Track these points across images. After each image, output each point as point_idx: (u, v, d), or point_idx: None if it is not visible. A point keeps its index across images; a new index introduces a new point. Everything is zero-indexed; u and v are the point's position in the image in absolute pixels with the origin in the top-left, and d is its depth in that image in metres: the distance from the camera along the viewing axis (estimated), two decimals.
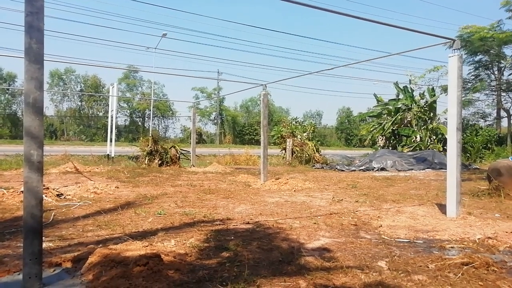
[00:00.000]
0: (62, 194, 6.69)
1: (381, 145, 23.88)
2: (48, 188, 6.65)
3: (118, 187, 8.09)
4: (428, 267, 3.19)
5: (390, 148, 22.30)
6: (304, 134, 19.80)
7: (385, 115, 24.25)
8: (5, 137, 41.63)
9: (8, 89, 47.13)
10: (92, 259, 3.12)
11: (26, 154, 2.76)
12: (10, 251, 3.57)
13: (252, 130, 59.89)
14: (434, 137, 22.17)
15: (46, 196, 6.21)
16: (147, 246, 3.48)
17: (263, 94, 9.67)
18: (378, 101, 25.15)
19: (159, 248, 3.51)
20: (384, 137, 23.84)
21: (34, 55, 2.75)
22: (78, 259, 3.28)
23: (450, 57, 5.52)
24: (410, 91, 23.29)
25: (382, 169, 15.44)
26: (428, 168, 15.78)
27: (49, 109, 54.04)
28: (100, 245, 3.59)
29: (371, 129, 24.75)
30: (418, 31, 5.90)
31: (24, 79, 2.80)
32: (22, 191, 6.41)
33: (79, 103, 54.87)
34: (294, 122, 21.66)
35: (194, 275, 2.94)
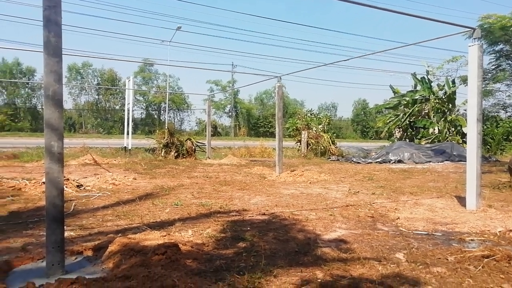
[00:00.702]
0: (81, 185, 6.84)
1: (398, 137, 23.53)
2: (68, 179, 6.80)
3: (135, 179, 8.22)
4: (447, 259, 3.15)
5: (407, 140, 21.98)
6: (320, 126, 19.67)
7: (402, 107, 23.84)
8: (25, 130, 42.69)
9: (28, 83, 48.21)
10: (112, 247, 3.19)
11: (47, 145, 2.83)
12: (34, 239, 3.68)
13: (266, 123, 59.83)
14: (453, 129, 21.70)
15: (66, 187, 6.35)
16: (165, 236, 3.54)
17: (277, 86, 9.62)
18: (394, 92, 24.75)
19: (177, 238, 3.57)
20: (401, 129, 23.47)
21: (53, 49, 2.80)
22: (99, 248, 3.36)
23: (470, 46, 5.37)
24: (428, 82, 22.82)
25: (399, 161, 15.24)
26: (446, 160, 15.50)
27: (68, 103, 55.07)
28: (120, 235, 3.67)
29: (388, 121, 24.39)
30: (437, 20, 5.76)
31: (43, 73, 2.85)
32: (43, 182, 6.58)
33: (96, 97, 55.70)
34: (309, 114, 21.51)
35: (212, 265, 2.97)
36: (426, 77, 23.21)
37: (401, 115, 23.07)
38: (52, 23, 2.80)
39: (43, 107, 2.80)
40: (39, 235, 3.79)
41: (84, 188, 6.74)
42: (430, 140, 20.88)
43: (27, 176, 8.01)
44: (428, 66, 24.63)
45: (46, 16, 2.79)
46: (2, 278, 2.79)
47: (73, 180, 6.96)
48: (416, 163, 14.87)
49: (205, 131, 16.37)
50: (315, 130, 19.16)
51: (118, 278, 2.52)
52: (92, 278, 2.66)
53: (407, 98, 23.23)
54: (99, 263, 3.10)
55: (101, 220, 4.55)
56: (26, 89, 49.76)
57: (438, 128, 21.66)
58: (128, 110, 17.53)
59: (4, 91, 48.51)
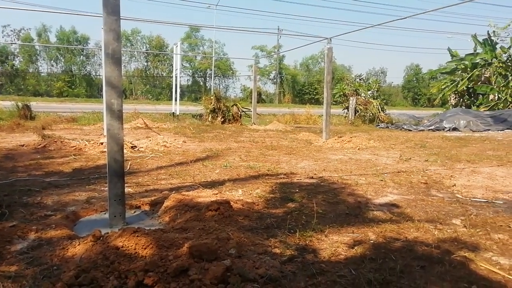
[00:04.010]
0: (135, 147, 7.17)
1: (453, 104, 22.17)
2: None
3: (185, 142, 8.47)
4: (509, 226, 2.98)
5: (464, 107, 20.63)
6: (369, 92, 18.96)
7: (460, 72, 22.24)
8: (81, 96, 45.08)
9: (83, 50, 50.40)
10: (167, 203, 3.35)
11: (108, 103, 2.94)
12: (96, 193, 3.94)
13: (312, 89, 58.48)
14: None
15: None
16: (216, 194, 3.64)
17: (327, 48, 9.29)
18: (452, 56, 23.05)
19: (228, 197, 3.66)
20: (457, 96, 22.04)
21: (111, 7, 2.85)
22: (155, 203, 3.54)
23: None
24: (491, 44, 20.93)
25: (454, 129, 14.42)
26: (508, 129, 14.41)
27: None
28: (174, 192, 3.82)
29: (443, 87, 22.96)
30: None
31: (103, 31, 2.93)
32: (101, 143, 6.97)
33: (145, 63, 57.15)
34: (357, 80, 20.70)
35: (262, 222, 3.03)
36: (489, 39, 21.30)
37: (458, 80, 21.57)
38: None
39: (103, 65, 2.89)
40: (101, 190, 4.06)
41: (138, 149, 7.07)
42: (489, 108, 19.46)
43: (85, 137, 8.52)
44: (493, 26, 22.53)
45: None
46: (70, 226, 3.04)
47: (128, 142, 7.30)
48: (473, 131, 14.00)
49: (250, 98, 16.37)
50: (364, 96, 18.51)
51: (176, 230, 2.65)
52: (152, 229, 2.81)
53: (466, 62, 21.58)
54: (156, 216, 3.28)
55: (155, 178, 4.77)
56: (81, 56, 52.01)
57: (499, 95, 20.05)
58: (176, 76, 17.84)
59: (62, 58, 51.14)
